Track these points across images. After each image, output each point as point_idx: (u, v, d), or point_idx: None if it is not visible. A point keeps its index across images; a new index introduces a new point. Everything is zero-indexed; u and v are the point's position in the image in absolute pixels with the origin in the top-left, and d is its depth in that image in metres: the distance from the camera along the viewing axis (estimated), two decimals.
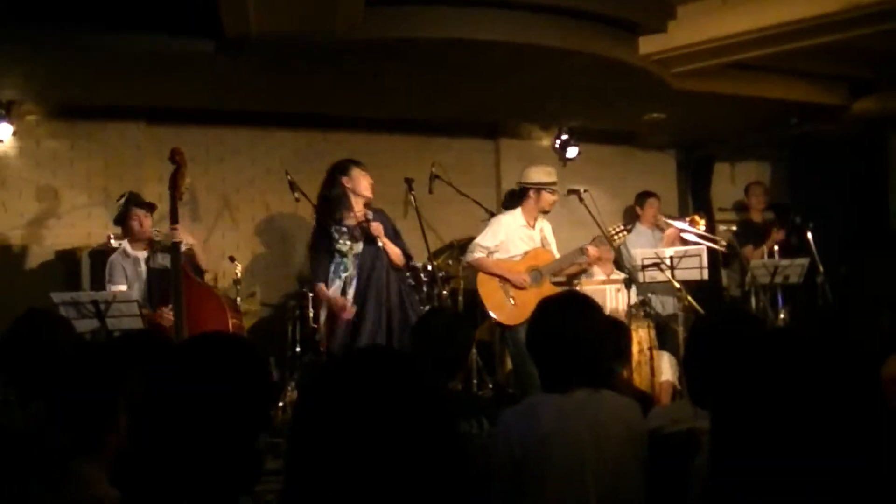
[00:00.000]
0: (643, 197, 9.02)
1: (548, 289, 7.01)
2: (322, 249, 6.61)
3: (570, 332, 3.06)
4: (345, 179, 6.62)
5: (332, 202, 6.63)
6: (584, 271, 8.13)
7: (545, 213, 7.18)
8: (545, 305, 3.21)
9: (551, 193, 7.06)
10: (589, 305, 3.18)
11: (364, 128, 8.95)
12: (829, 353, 1.64)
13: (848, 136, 9.73)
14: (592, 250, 7.15)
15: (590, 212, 6.79)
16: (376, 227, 6.55)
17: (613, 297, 7.77)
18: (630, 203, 9.50)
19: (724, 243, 8.08)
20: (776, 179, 10.78)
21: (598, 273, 8.13)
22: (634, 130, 9.64)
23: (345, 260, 6.56)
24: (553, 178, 7.09)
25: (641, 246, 8.05)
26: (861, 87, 8.79)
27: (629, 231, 7.44)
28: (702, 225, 7.96)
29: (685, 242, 8.02)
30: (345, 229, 6.56)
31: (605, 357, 3.17)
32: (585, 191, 6.92)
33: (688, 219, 8.26)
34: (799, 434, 1.59)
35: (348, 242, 6.52)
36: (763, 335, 1.67)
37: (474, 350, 7.62)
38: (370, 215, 6.51)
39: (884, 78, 8.63)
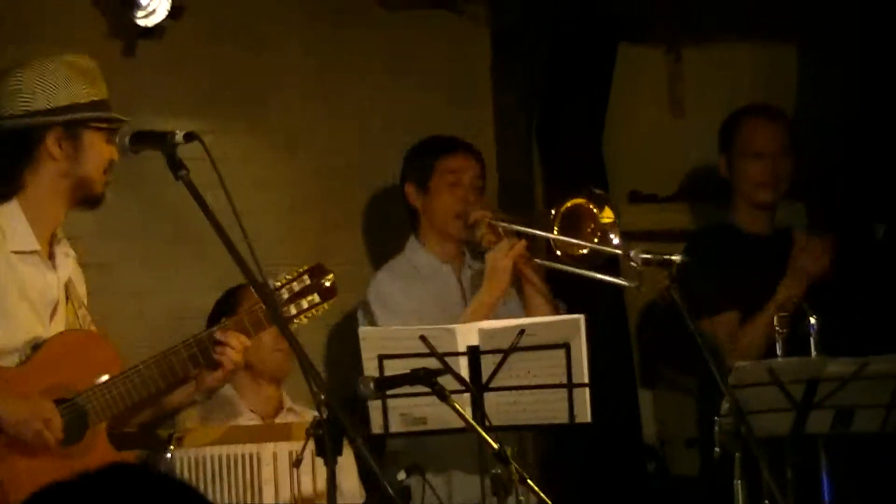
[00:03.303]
0: (430, 153, 5.61)
1: (103, 452, 4.35)
2: None
3: None
4: None
5: None
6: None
7: (91, 203, 4.48)
8: None
9: (106, 136, 4.37)
10: None
11: None
12: None
13: None
14: (235, 340, 4.24)
15: (234, 208, 3.74)
16: None
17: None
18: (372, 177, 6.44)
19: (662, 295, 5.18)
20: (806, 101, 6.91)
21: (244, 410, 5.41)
22: None
23: None
24: (101, 93, 4.40)
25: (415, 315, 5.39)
26: None
27: (328, 291, 4.52)
28: (612, 228, 5.14)
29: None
30: None
31: None
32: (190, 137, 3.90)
33: (554, 212, 5.21)
34: None
35: None
36: None
37: None
38: None
39: None
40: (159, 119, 5.09)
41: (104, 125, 4.30)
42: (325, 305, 4.41)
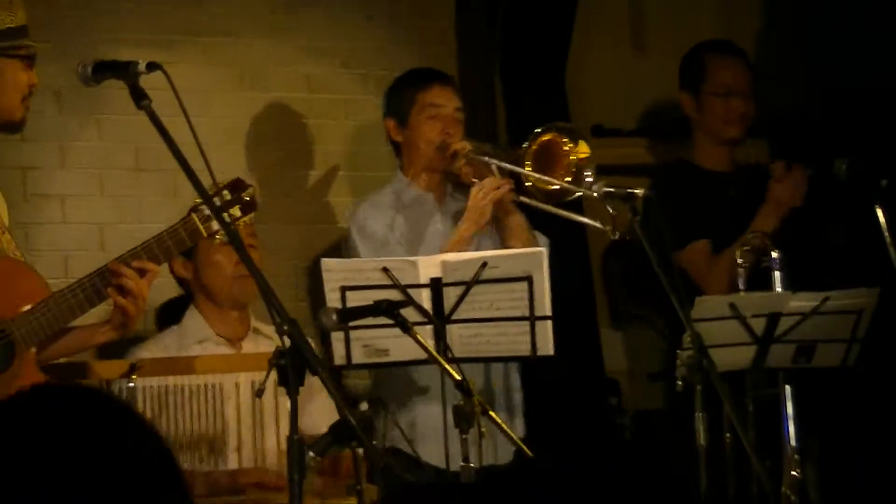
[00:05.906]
0: (408, 88, 5.55)
1: (31, 379, 4.15)
2: None
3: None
4: None
5: None
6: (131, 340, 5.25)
7: (12, 129, 4.48)
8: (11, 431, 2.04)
9: (23, 63, 4.37)
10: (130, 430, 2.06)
11: None
12: None
13: None
14: (125, 269, 4.24)
15: (196, 138, 3.78)
16: None
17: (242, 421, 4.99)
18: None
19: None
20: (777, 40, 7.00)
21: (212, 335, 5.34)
22: None
23: None
24: (17, 20, 4.43)
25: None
26: None
27: (248, 204, 4.41)
28: (587, 164, 5.12)
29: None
30: None
31: None
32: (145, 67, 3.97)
33: (525, 147, 5.12)
34: None
35: None
36: None
37: None
38: None
39: None
40: (121, 50, 4.87)
41: (21, 52, 4.28)
42: (247, 219, 4.40)
